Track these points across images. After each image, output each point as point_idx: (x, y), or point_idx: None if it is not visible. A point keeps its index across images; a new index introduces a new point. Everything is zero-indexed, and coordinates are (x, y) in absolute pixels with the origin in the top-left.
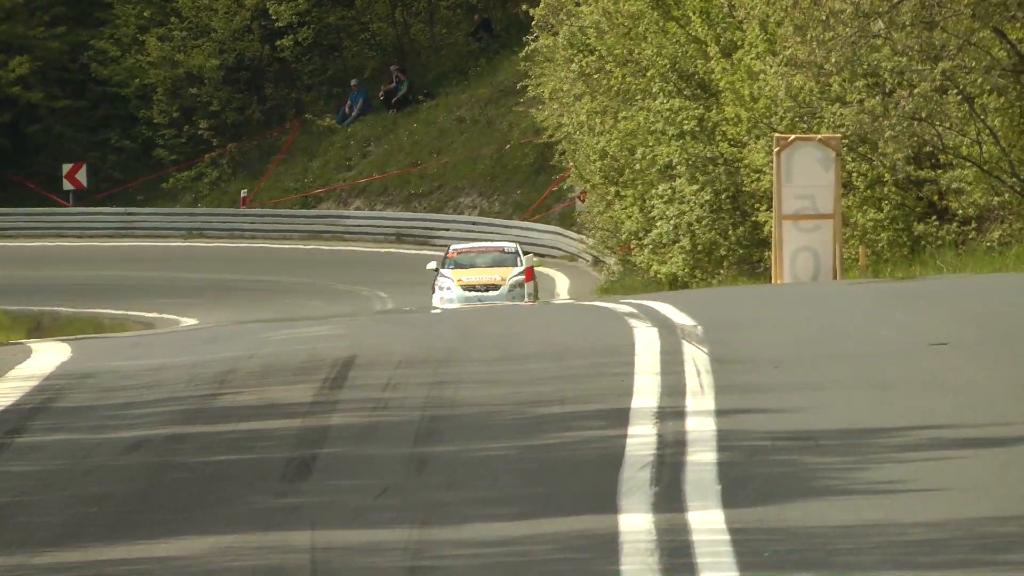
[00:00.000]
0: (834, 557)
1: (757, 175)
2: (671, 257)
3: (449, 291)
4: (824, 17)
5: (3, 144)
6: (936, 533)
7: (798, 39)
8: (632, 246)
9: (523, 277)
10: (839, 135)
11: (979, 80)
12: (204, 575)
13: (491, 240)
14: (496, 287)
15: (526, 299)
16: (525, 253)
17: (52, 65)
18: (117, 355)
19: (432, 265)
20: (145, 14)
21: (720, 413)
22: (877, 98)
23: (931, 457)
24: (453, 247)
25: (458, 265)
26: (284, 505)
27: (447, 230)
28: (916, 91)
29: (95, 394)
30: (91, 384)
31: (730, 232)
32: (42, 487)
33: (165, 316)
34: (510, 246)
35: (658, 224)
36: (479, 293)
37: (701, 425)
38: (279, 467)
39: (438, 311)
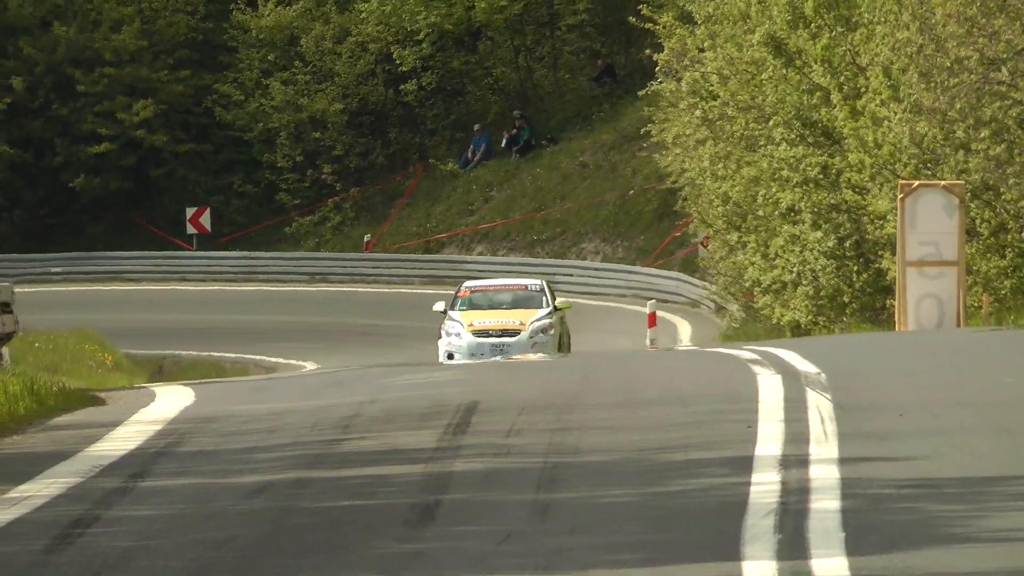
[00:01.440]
0: None
1: (881, 221)
2: (794, 303)
3: (458, 338)
4: (949, 64)
5: (127, 187)
6: None
7: (922, 86)
8: (755, 293)
9: (548, 321)
10: (963, 182)
11: None
12: None
13: (515, 277)
14: (514, 333)
15: (548, 348)
16: (553, 292)
17: (176, 108)
18: (240, 399)
19: (439, 306)
20: (269, 58)
21: (844, 461)
22: (1002, 145)
23: None
24: (466, 284)
25: (472, 305)
26: (407, 551)
27: (570, 275)
28: None
29: (218, 438)
30: (214, 428)
31: (854, 279)
32: (166, 531)
33: (288, 361)
34: (535, 283)
35: (780, 268)
36: (493, 340)
37: (825, 473)
38: (402, 512)
39: (444, 364)
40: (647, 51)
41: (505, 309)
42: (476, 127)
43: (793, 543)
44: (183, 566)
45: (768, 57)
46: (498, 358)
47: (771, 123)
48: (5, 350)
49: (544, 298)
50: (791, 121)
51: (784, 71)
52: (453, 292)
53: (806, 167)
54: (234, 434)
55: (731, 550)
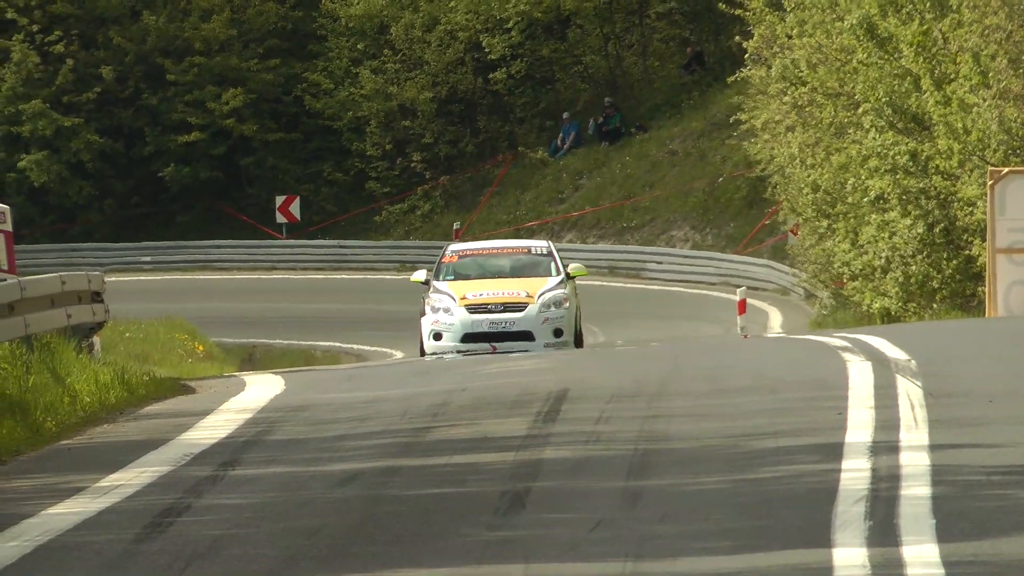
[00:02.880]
0: None
1: (970, 208)
2: (884, 290)
3: (447, 314)
4: None
5: (217, 176)
6: None
7: (1011, 72)
8: (844, 280)
9: (563, 292)
10: None
11: None
12: None
13: (512, 240)
14: (519, 307)
15: (564, 325)
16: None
17: (265, 97)
18: (330, 388)
19: (420, 275)
20: (359, 47)
21: (934, 448)
22: None
23: None
24: (452, 248)
25: (461, 275)
26: (498, 538)
27: (659, 263)
28: None
29: (309, 427)
30: (305, 417)
31: (943, 265)
32: (256, 520)
33: (378, 349)
34: (540, 245)
35: (870, 255)
36: (493, 316)
37: (915, 460)
38: (493, 500)
39: (428, 358)
40: (736, 38)
41: (505, 278)
42: (565, 115)
43: (883, 530)
44: (273, 554)
45: (860, 43)
46: (488, 351)
47: (860, 110)
48: (96, 339)
49: (553, 264)
50: (881, 108)
51: (876, 57)
52: (437, 258)
53: (895, 154)
54: (324, 422)
55: (822, 537)
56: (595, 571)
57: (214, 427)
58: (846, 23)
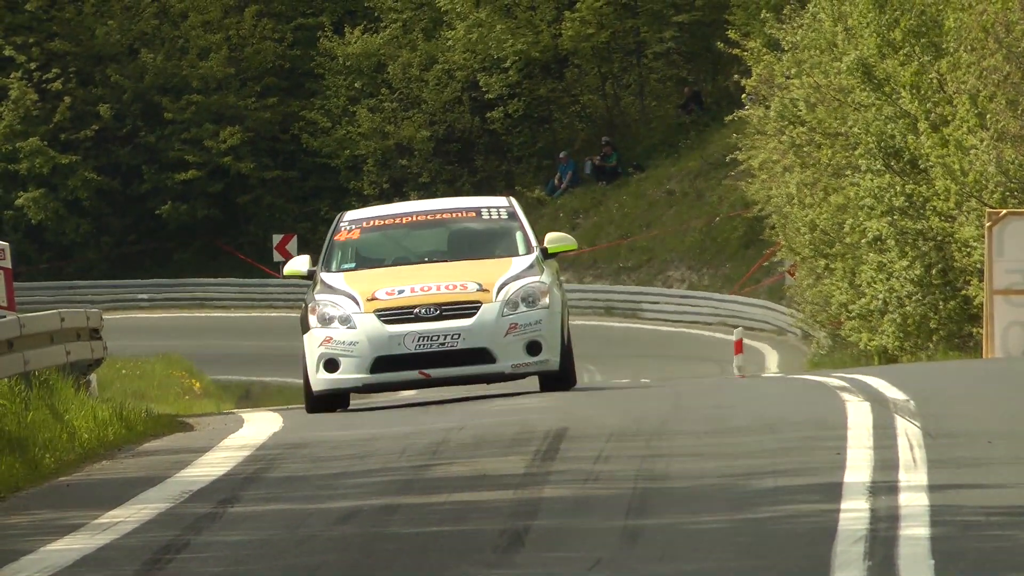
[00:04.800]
0: None
1: (968, 249)
2: (880, 329)
3: (347, 327)
4: None
5: (214, 214)
6: None
7: (1009, 113)
8: (842, 319)
9: (538, 280)
10: None
11: None
12: None
13: (452, 197)
14: (468, 308)
15: (545, 335)
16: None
17: (263, 136)
18: (329, 425)
19: (300, 264)
20: (356, 85)
21: (933, 488)
22: None
23: None
24: (350, 216)
25: (364, 260)
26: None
27: (656, 303)
28: None
29: (307, 464)
30: (303, 454)
31: (940, 306)
32: (256, 557)
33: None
34: (498, 204)
35: (867, 296)
36: (423, 327)
37: (914, 500)
38: (492, 538)
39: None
40: (735, 76)
41: (441, 262)
42: (562, 154)
43: (883, 570)
44: None
45: (857, 84)
46: (416, 381)
47: (857, 151)
48: (94, 376)
49: (520, 234)
50: (874, 150)
51: (873, 98)
52: (327, 237)
53: (891, 196)
54: (323, 460)
55: None
56: None
57: (213, 464)
58: (843, 64)
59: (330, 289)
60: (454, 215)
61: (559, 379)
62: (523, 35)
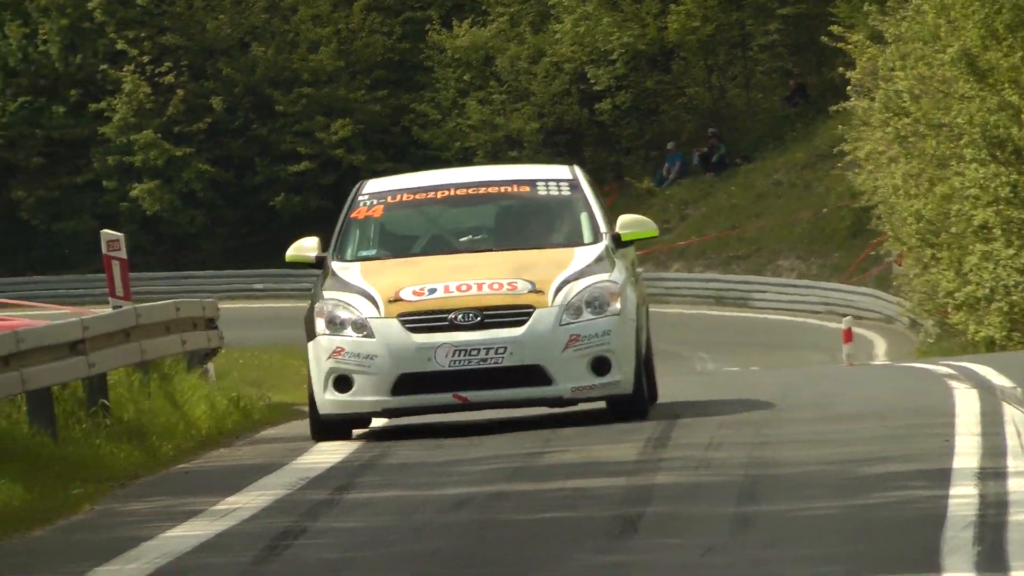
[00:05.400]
0: None
1: None
2: (988, 320)
3: (362, 333)
4: None
5: (327, 205)
6: None
7: None
8: (949, 309)
9: (608, 279)
10: None
11: None
12: None
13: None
14: (518, 314)
15: (610, 355)
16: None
17: (374, 128)
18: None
19: (308, 246)
20: (465, 78)
21: None
22: None
23: None
24: (370, 187)
25: (387, 247)
26: (609, 562)
27: (764, 292)
28: None
29: (422, 451)
30: (417, 441)
31: None
32: (372, 543)
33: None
34: (557, 174)
35: (974, 284)
36: (459, 338)
37: (1022, 486)
38: (604, 525)
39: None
40: (840, 69)
41: (482, 252)
42: (670, 145)
43: (992, 555)
44: None
45: (960, 75)
46: (450, 405)
47: (962, 142)
48: (211, 365)
49: (585, 215)
50: (978, 140)
51: (976, 89)
52: (342, 214)
53: (997, 186)
54: (436, 447)
55: (931, 562)
56: None
57: (329, 451)
58: (947, 55)
59: (342, 284)
60: (503, 189)
61: (631, 403)
62: (630, 28)
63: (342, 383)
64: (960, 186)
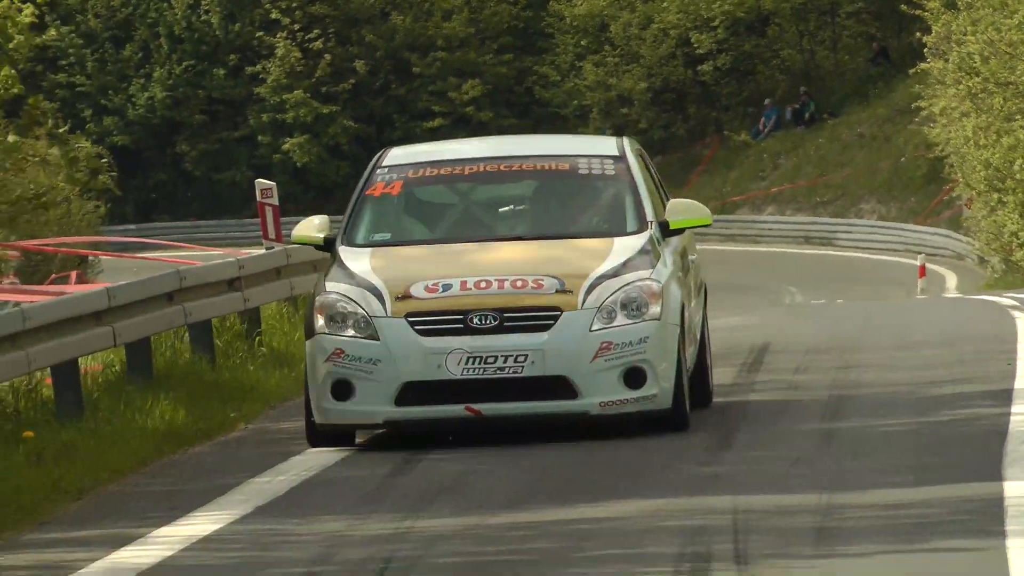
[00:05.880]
0: None
1: None
2: None
3: (365, 334)
4: None
5: None
6: None
7: None
8: (1013, 246)
9: (649, 276)
10: None
11: None
12: (636, 534)
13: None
14: (538, 317)
15: (646, 365)
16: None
17: (500, 88)
18: None
19: (311, 228)
20: (582, 43)
21: None
22: None
23: None
24: (394, 155)
25: (403, 231)
26: (707, 473)
27: (848, 232)
28: None
29: None
30: None
31: None
32: (494, 459)
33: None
34: (604, 152)
35: None
36: (476, 342)
37: None
38: (704, 440)
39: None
40: (917, 34)
41: (508, 241)
42: (766, 102)
43: None
44: (510, 488)
45: None
46: (462, 418)
47: None
48: None
49: (631, 198)
50: None
51: None
52: (357, 188)
53: None
54: None
55: (994, 472)
56: (795, 502)
57: None
58: (1014, 20)
59: (348, 276)
60: (538, 165)
61: (670, 420)
62: None
63: (342, 389)
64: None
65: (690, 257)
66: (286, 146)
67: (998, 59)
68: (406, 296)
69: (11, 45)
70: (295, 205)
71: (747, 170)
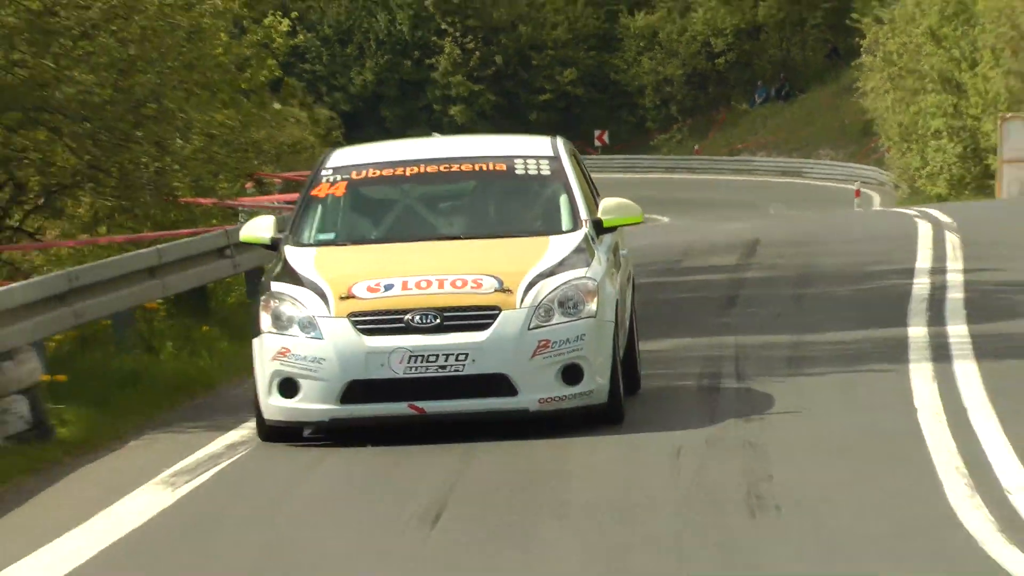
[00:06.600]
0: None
1: (988, 137)
2: (938, 184)
3: (310, 334)
4: None
5: (553, 119)
6: None
7: (1013, 59)
8: (916, 178)
9: (585, 274)
10: None
11: None
12: (672, 360)
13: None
14: (478, 316)
15: (582, 362)
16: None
17: (587, 74)
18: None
19: (261, 227)
20: (640, 44)
21: (967, 271)
22: None
23: None
24: (336, 158)
25: (345, 231)
26: (720, 322)
27: (811, 168)
28: None
29: None
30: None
31: (972, 170)
32: None
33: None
34: (540, 152)
35: (930, 164)
36: (417, 341)
37: (955, 278)
38: (717, 300)
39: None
40: (857, 39)
41: (448, 240)
42: (758, 83)
43: (936, 317)
44: None
45: (926, 41)
46: (406, 416)
47: (925, 80)
48: None
49: (565, 197)
50: (936, 80)
51: (935, 49)
52: (303, 189)
53: (946, 107)
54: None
55: (901, 321)
56: (777, 340)
57: None
58: (919, 29)
59: (292, 275)
60: (477, 166)
61: (606, 415)
62: (734, 13)
63: (287, 387)
64: (925, 107)
65: (621, 252)
66: (452, 111)
67: (908, 55)
68: (349, 296)
69: (274, 45)
70: None
71: (746, 128)
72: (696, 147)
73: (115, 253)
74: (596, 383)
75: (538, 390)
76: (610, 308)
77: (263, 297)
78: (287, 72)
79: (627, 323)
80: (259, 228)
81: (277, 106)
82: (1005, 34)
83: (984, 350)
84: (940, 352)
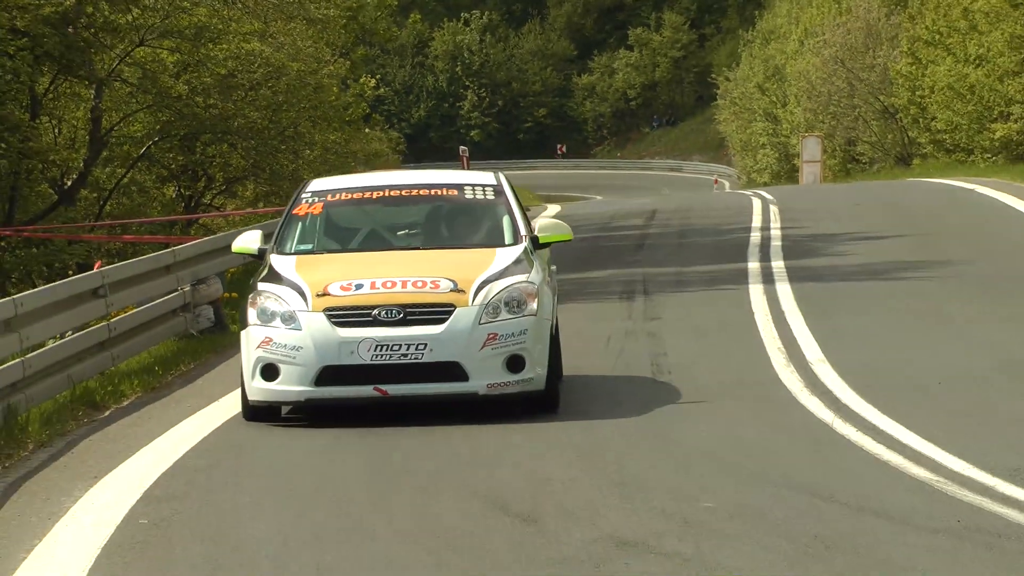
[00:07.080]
0: (826, 273)
1: (793, 142)
2: (764, 174)
3: (291, 326)
4: None
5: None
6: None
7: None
8: (751, 173)
9: (526, 280)
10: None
11: None
12: (603, 283)
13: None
14: (439, 312)
15: (524, 354)
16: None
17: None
18: (578, 209)
19: (250, 240)
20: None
21: (784, 228)
22: None
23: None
24: (314, 186)
25: (323, 242)
26: (633, 259)
27: (688, 166)
28: None
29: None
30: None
31: (784, 165)
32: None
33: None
34: (483, 180)
35: (761, 163)
36: (382, 333)
37: (776, 233)
38: (630, 246)
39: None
40: (714, 90)
41: (410, 250)
42: (654, 117)
43: (765, 255)
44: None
45: (757, 93)
46: (371, 398)
47: (756, 115)
48: None
49: (507, 218)
50: (766, 109)
51: (767, 100)
52: (285, 210)
53: (767, 131)
54: (568, 216)
55: (742, 258)
56: (666, 271)
57: None
58: (755, 79)
59: (276, 277)
60: (433, 192)
61: (543, 400)
62: None
63: (269, 371)
64: (755, 130)
65: (551, 267)
66: (472, 134)
67: (745, 99)
68: (324, 294)
69: (366, 95)
70: (481, 162)
71: (648, 143)
72: (619, 154)
73: (269, 219)
74: (536, 372)
75: (486, 376)
76: (548, 308)
77: (251, 295)
78: (373, 110)
79: (554, 326)
80: (248, 240)
81: (367, 130)
82: (804, 87)
83: (795, 275)
84: (767, 277)
